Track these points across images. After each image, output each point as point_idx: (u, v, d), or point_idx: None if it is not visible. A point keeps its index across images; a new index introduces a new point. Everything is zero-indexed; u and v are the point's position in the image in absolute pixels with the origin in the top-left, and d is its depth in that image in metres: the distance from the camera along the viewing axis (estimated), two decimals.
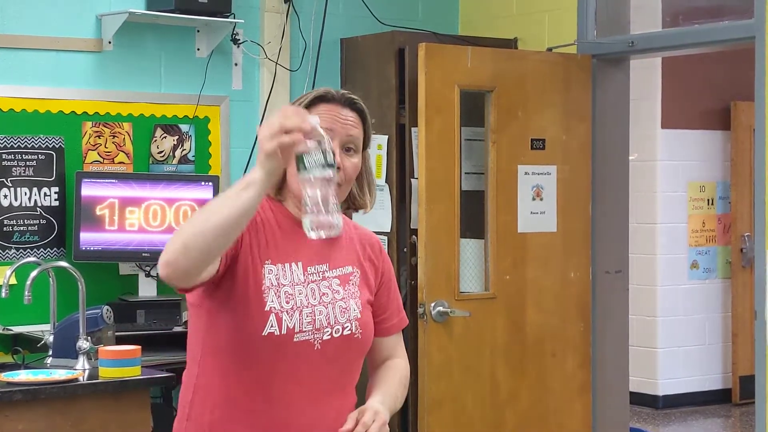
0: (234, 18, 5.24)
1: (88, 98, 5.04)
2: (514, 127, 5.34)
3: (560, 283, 5.43)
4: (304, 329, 2.46)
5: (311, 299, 2.49)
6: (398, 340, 2.72)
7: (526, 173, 5.37)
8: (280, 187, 2.54)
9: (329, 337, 2.49)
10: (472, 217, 5.32)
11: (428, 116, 5.10)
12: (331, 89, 2.57)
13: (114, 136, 5.09)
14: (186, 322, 4.96)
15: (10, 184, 4.87)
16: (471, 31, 5.88)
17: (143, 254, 4.98)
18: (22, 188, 4.89)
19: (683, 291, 8.76)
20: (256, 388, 2.45)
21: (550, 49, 5.54)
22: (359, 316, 2.55)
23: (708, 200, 8.89)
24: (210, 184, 5.09)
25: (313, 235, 2.27)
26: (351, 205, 2.66)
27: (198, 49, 5.32)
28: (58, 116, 4.91)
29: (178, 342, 4.37)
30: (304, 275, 2.50)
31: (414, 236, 5.27)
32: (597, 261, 5.52)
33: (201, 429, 2.50)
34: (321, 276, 2.53)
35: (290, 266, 2.49)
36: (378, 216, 5.47)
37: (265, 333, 2.42)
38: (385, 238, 5.44)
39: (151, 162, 5.20)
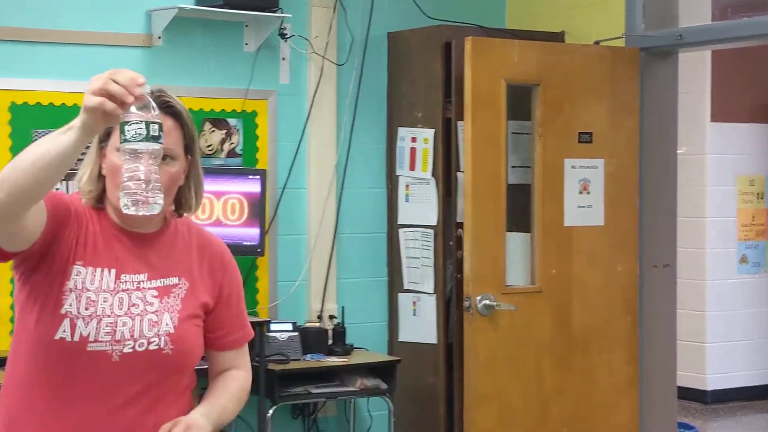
0: (282, 13, 5.27)
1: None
2: (560, 120, 5.32)
3: (607, 277, 5.41)
4: (101, 339, 2.34)
5: (116, 309, 2.37)
6: (240, 353, 2.61)
7: (573, 167, 5.35)
8: (100, 197, 2.44)
9: (131, 350, 2.36)
10: (519, 210, 5.31)
11: (474, 110, 5.10)
12: (149, 89, 2.33)
13: None
14: None
15: (63, 177, 4.91)
16: (518, 24, 5.87)
17: None
18: (72, 182, 4.93)
19: (732, 285, 8.69)
20: (49, 392, 2.36)
21: (597, 43, 5.52)
22: (171, 330, 2.41)
23: (757, 194, 8.81)
24: (258, 177, 5.12)
25: (130, 211, 2.15)
26: (178, 206, 2.51)
27: (246, 44, 5.36)
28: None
29: None
30: (114, 283, 2.39)
31: (460, 230, 5.27)
32: (644, 255, 5.49)
33: (1, 422, 2.43)
34: (135, 286, 2.41)
35: (101, 271, 2.38)
36: (424, 210, 5.48)
37: (56, 337, 2.33)
38: (431, 231, 5.45)
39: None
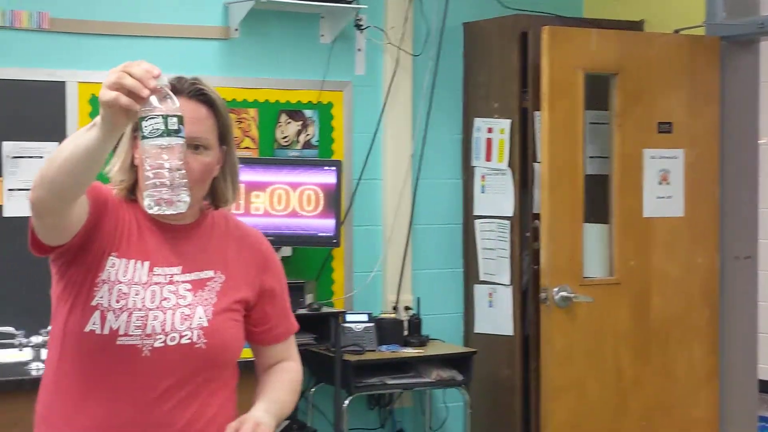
0: (357, 3, 5.27)
1: (215, 85, 5.01)
2: (639, 110, 5.27)
3: (687, 269, 5.35)
4: (131, 333, 2.28)
5: (148, 302, 2.31)
6: (288, 345, 2.57)
7: (652, 157, 5.30)
8: (132, 187, 2.39)
9: (162, 344, 2.29)
10: (596, 201, 5.27)
11: (551, 100, 5.07)
12: (184, 77, 2.38)
13: (240, 122, 5.18)
14: (311, 304, 5.03)
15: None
16: (596, 13, 5.81)
17: (268, 237, 5.03)
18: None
19: None
20: (79, 386, 2.32)
21: (677, 31, 5.45)
22: (205, 324, 2.34)
23: None
24: (333, 168, 5.14)
25: (153, 211, 2.06)
26: (213, 200, 2.46)
27: (322, 35, 5.37)
28: None
29: (302, 324, 4.42)
30: (147, 276, 2.33)
31: (536, 221, 5.24)
32: (725, 246, 5.42)
33: (38, 417, 2.40)
34: (168, 279, 2.35)
35: (135, 264, 2.33)
36: (500, 200, 5.46)
37: (86, 329, 2.28)
38: (507, 222, 5.43)
39: (275, 147, 5.27)
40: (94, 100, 4.87)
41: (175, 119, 2.03)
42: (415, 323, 5.36)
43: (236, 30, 5.16)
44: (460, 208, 5.68)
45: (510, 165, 5.43)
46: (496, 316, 5.47)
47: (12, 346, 4.11)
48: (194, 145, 2.31)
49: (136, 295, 2.30)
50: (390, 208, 5.52)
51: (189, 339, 2.32)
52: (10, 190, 4.70)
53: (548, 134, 5.06)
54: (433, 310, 5.53)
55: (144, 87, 1.99)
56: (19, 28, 4.73)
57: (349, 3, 5.24)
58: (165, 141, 2.02)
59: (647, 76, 5.27)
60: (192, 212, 2.40)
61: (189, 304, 2.34)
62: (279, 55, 5.29)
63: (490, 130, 5.52)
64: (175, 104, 2.05)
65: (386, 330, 5.23)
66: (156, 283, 2.33)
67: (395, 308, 5.48)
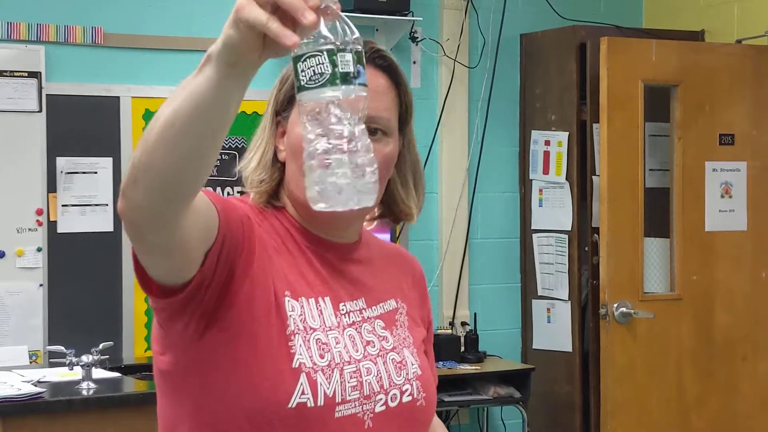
0: (413, 16, 5.23)
1: (264, 99, 5.09)
2: (701, 122, 5.18)
3: (751, 284, 5.25)
4: (348, 398, 1.62)
5: (353, 352, 1.66)
6: None
7: (714, 170, 5.22)
8: (277, 191, 1.73)
9: (383, 407, 1.66)
10: (657, 215, 5.19)
11: (610, 112, 5.00)
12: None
13: None
14: None
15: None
16: (656, 23, 5.73)
17: None
18: (206, 187, 4.96)
19: None
20: None
21: (739, 41, 5.36)
22: (419, 372, 1.73)
23: None
24: None
25: (320, 207, 1.30)
26: (388, 212, 1.81)
27: None
28: (240, 117, 4.96)
29: None
30: (336, 316, 1.68)
31: (596, 235, 5.17)
32: None
33: None
34: (360, 317, 1.71)
35: (316, 302, 1.66)
36: (558, 214, 5.39)
37: (292, 404, 1.57)
38: (565, 236, 5.35)
39: None
40: (147, 115, 4.86)
41: (349, 57, 1.29)
42: (472, 339, 5.29)
43: None
44: (517, 222, 5.61)
45: (568, 178, 5.35)
46: (555, 331, 5.40)
47: (62, 364, 4.09)
48: (372, 128, 1.64)
49: (337, 344, 1.65)
50: (446, 222, 5.47)
51: (410, 395, 1.71)
52: (63, 205, 4.70)
53: (607, 147, 5.00)
54: (490, 326, 5.47)
55: (308, 8, 1.28)
56: (73, 43, 4.74)
57: (405, 15, 5.21)
58: (335, 92, 1.28)
59: (709, 87, 5.19)
60: (359, 225, 1.77)
61: (394, 347, 1.72)
62: None
63: (547, 143, 5.45)
64: (353, 33, 1.32)
65: (443, 346, 5.16)
66: (350, 325, 1.68)
67: (452, 324, 5.42)
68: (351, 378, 1.63)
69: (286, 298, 1.62)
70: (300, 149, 1.44)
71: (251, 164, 1.74)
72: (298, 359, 1.59)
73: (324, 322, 1.65)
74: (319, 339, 1.63)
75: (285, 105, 1.73)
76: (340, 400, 1.61)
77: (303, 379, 1.58)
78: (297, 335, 1.61)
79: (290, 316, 1.61)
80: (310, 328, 1.63)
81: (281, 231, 1.69)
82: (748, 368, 5.25)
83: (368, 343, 1.69)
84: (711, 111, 5.20)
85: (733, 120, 5.25)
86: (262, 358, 1.58)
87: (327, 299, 1.67)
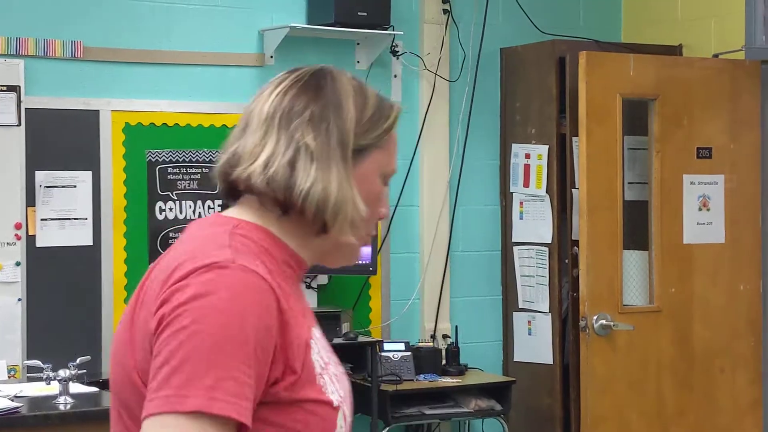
0: (393, 30, 5.24)
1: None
2: (678, 136, 5.21)
3: (729, 296, 5.27)
4: (348, 422, 1.68)
5: (344, 379, 1.70)
6: None
7: (691, 183, 5.24)
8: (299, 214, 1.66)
9: (346, 425, 1.68)
10: (636, 228, 5.21)
11: (589, 125, 5.02)
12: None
13: None
14: (347, 333, 4.98)
15: (175, 197, 4.96)
16: (634, 38, 5.76)
17: None
18: (187, 201, 4.98)
19: None
20: None
21: (716, 56, 5.39)
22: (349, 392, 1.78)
23: None
24: None
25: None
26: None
27: (358, 62, 5.35)
28: (221, 130, 4.99)
29: (339, 353, 4.38)
30: (322, 340, 1.70)
31: (575, 247, 5.18)
32: None
33: None
34: (322, 337, 1.72)
35: (318, 334, 1.68)
36: (538, 227, 5.40)
37: None
38: (546, 249, 5.36)
39: None
40: (127, 128, 4.86)
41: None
42: (453, 352, 5.30)
43: (271, 57, 5.14)
44: (498, 235, 5.62)
45: (548, 191, 5.37)
46: (536, 344, 5.41)
47: (39, 379, 4.08)
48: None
49: (341, 374, 1.69)
50: (427, 235, 5.47)
51: (351, 415, 1.70)
52: (42, 219, 4.69)
53: (586, 160, 5.01)
54: (471, 339, 5.47)
55: None
56: (52, 57, 4.74)
57: (385, 29, 5.22)
58: None
59: (686, 100, 5.22)
60: None
61: (343, 371, 1.73)
62: None
63: (527, 156, 5.47)
64: None
65: (424, 359, 5.17)
66: (323, 347, 1.68)
67: (433, 337, 5.42)
68: (348, 405, 1.67)
69: (312, 341, 1.62)
70: (376, 197, 1.69)
71: (319, 185, 1.64)
72: (332, 397, 1.60)
73: (329, 355, 1.67)
74: (334, 372, 1.65)
75: (363, 145, 1.71)
76: (348, 428, 1.66)
77: (341, 415, 1.62)
78: (323, 375, 1.61)
79: (315, 359, 1.61)
80: (326, 362, 1.64)
81: (283, 274, 1.63)
82: (726, 380, 5.27)
83: (341, 369, 1.71)
84: (689, 124, 5.23)
85: (711, 133, 5.27)
86: (305, 402, 1.58)
87: (313, 328, 1.67)
